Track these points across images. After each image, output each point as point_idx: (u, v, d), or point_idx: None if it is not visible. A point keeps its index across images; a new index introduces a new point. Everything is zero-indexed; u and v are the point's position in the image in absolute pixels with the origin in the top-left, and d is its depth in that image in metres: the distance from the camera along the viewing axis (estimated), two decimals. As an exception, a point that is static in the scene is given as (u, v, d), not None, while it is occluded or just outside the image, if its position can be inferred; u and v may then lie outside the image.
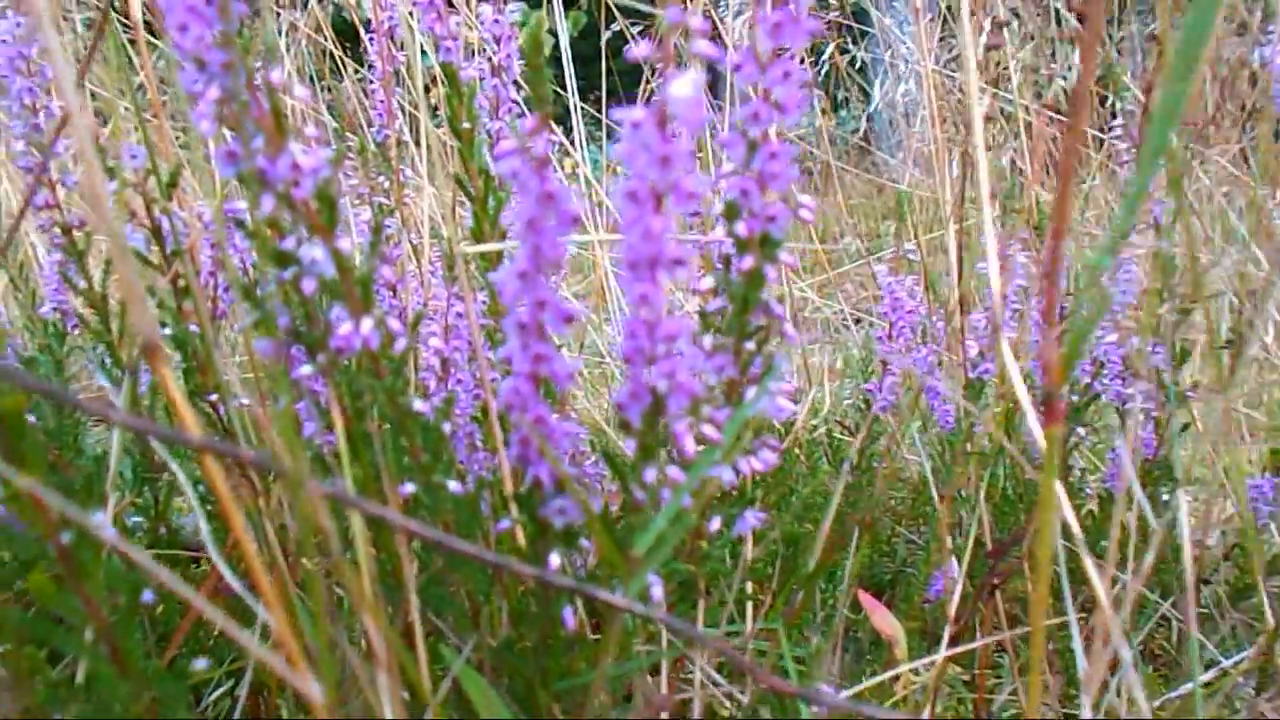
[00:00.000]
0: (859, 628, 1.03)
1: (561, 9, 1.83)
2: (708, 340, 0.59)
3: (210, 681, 0.81)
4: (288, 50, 2.42)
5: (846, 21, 2.91)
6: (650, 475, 0.50)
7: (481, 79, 0.95)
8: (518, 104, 0.96)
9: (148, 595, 0.52)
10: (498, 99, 0.96)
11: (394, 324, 0.54)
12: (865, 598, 0.87)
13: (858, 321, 3.59)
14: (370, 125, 1.19)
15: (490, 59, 0.95)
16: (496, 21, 0.93)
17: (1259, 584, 0.82)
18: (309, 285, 0.52)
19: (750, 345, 0.60)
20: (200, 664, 0.65)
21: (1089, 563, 0.54)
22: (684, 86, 0.41)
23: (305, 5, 2.39)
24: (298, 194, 0.50)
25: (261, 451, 0.48)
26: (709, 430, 0.51)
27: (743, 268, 0.55)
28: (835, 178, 3.26)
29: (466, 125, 0.79)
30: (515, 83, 0.95)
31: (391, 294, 1.08)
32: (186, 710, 0.52)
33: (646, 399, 0.48)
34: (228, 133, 0.53)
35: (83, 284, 0.87)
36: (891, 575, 1.34)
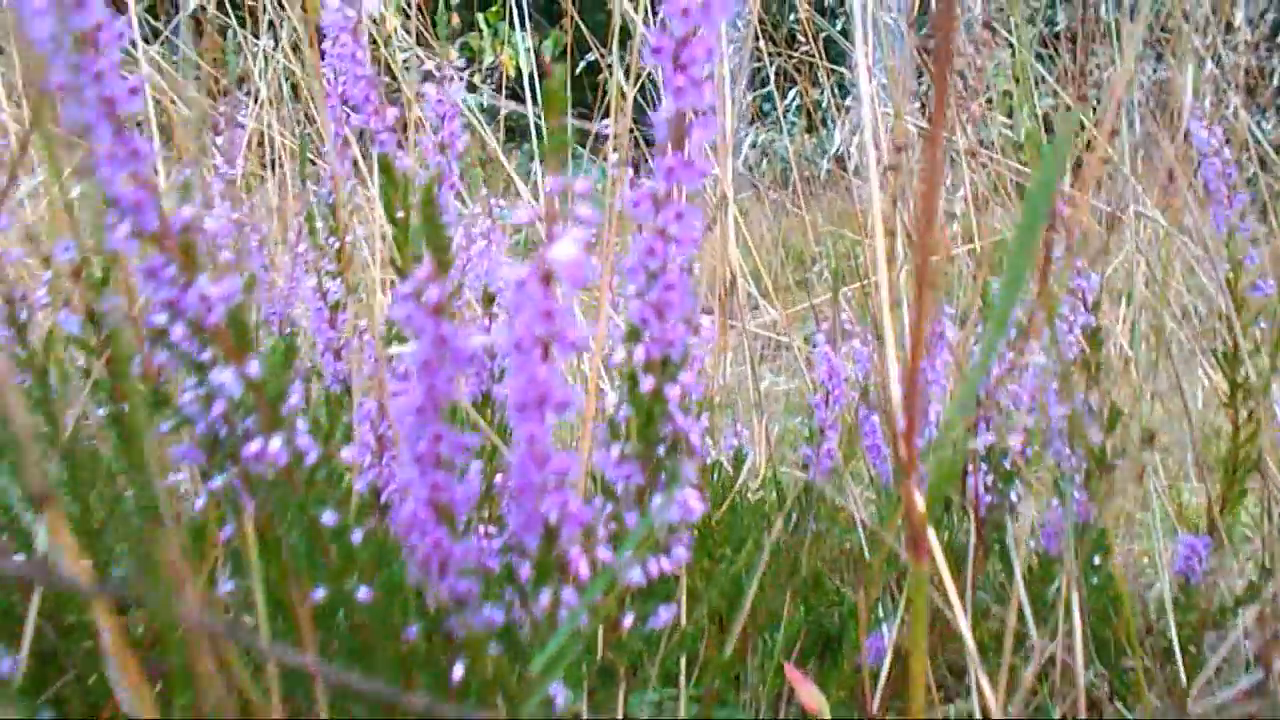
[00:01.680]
0: (794, 695, 1.05)
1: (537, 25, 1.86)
2: (615, 449, 0.61)
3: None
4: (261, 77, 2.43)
5: (813, 60, 2.95)
6: (544, 599, 0.52)
7: (424, 157, 0.98)
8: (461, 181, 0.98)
9: None
10: (441, 175, 0.98)
11: (304, 440, 0.56)
12: (790, 672, 0.89)
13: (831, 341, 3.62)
14: (319, 183, 1.21)
15: (435, 136, 0.97)
16: (440, 101, 0.96)
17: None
18: (218, 406, 0.53)
19: (659, 451, 0.62)
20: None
21: (981, 680, 0.57)
22: (565, 248, 0.43)
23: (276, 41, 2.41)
24: (209, 320, 0.52)
25: (146, 589, 0.49)
26: (603, 553, 0.53)
27: (645, 389, 0.57)
28: (805, 201, 3.29)
29: (402, 214, 0.81)
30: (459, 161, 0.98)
31: (336, 358, 1.10)
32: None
33: (540, 528, 0.50)
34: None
35: None
36: (839, 626, 1.36)
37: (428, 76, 0.95)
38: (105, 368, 0.79)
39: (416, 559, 0.53)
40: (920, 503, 0.45)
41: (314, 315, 1.05)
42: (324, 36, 0.99)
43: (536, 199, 1.80)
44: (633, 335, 0.56)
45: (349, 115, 0.94)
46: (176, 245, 0.51)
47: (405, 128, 1.08)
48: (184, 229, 0.51)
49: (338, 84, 0.98)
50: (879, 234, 0.62)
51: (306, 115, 2.22)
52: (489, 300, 1.15)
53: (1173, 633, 1.07)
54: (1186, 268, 1.85)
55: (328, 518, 0.57)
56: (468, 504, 0.51)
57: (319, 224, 1.15)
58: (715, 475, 1.28)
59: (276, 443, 0.54)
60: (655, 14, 1.93)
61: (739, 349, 1.59)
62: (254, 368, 0.53)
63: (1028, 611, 0.77)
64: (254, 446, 0.54)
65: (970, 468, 0.89)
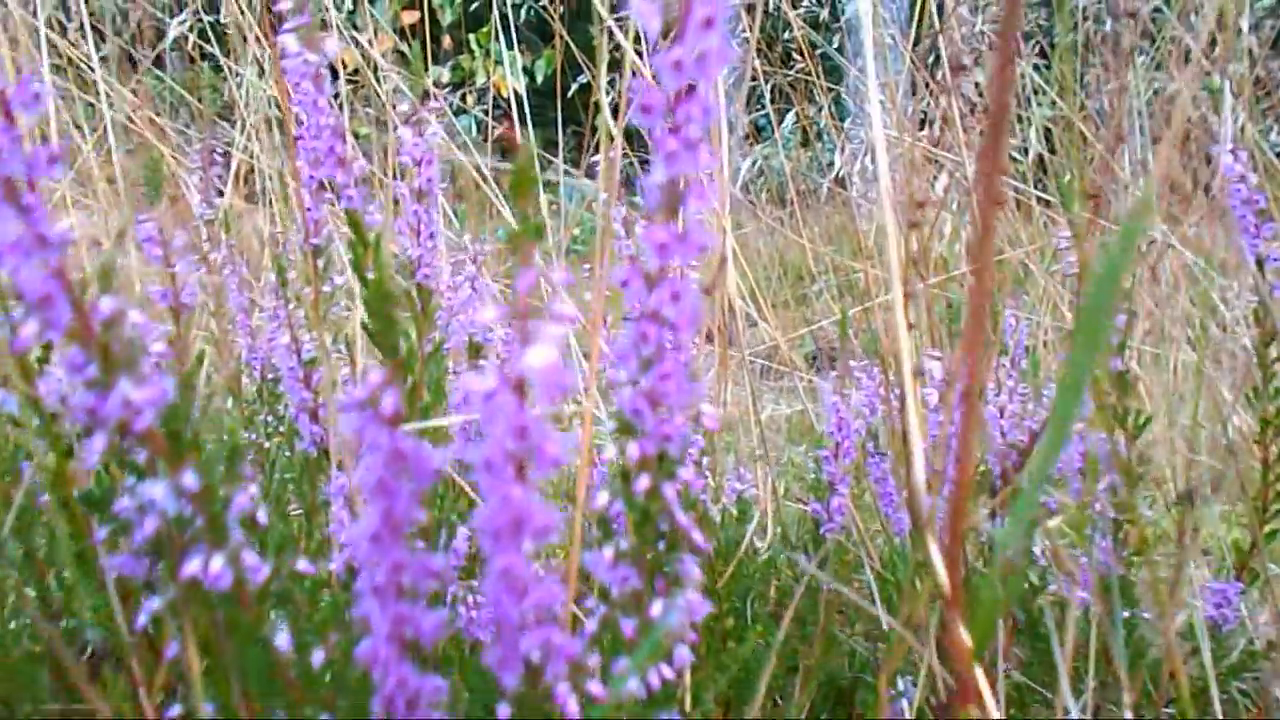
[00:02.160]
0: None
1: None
2: (608, 550, 0.54)
3: None
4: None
5: (808, 78, 2.90)
6: (528, 746, 0.45)
7: (400, 202, 0.91)
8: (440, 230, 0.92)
9: None
10: (419, 224, 0.91)
11: (250, 559, 0.49)
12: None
13: (830, 359, 3.54)
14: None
15: (411, 183, 0.91)
16: (416, 144, 0.89)
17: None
18: (150, 525, 0.46)
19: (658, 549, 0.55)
20: None
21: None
22: (540, 354, 0.36)
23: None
24: (136, 426, 0.45)
25: None
26: (595, 688, 0.46)
27: (639, 489, 0.50)
28: (803, 216, 3.22)
29: (373, 275, 0.74)
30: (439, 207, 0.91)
31: (313, 420, 1.03)
32: None
33: (519, 667, 0.43)
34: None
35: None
36: (851, 680, 1.29)
37: (404, 119, 0.89)
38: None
39: (381, 695, 0.46)
40: (966, 639, 0.38)
41: (286, 375, 0.98)
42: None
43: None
44: (625, 429, 0.49)
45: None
46: (95, 344, 0.44)
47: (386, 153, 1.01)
48: (106, 324, 0.44)
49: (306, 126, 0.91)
50: (899, 309, 0.55)
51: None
52: (475, 351, 1.09)
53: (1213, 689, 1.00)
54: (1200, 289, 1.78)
55: (282, 640, 0.50)
56: (437, 634, 0.44)
57: (290, 275, 1.09)
58: (720, 526, 1.21)
59: (218, 562, 0.47)
60: (645, 40, 1.87)
61: (738, 375, 1.52)
62: (189, 479, 0.46)
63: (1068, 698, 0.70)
64: (192, 566, 0.47)
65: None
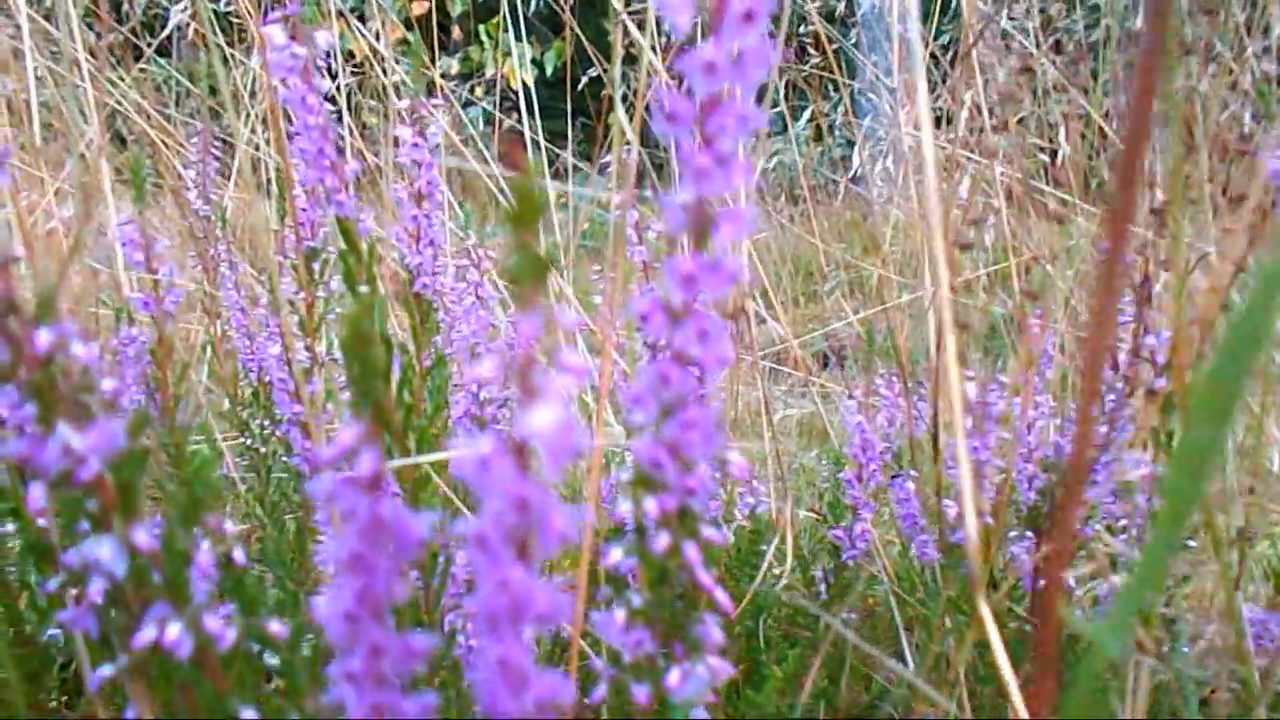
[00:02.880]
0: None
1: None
2: (620, 611, 0.48)
3: None
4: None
5: (824, 74, 2.82)
6: None
7: (400, 205, 0.85)
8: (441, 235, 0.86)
9: None
10: (418, 230, 0.85)
11: (213, 624, 0.43)
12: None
13: (840, 358, 3.46)
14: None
15: (411, 184, 0.84)
16: (416, 146, 0.83)
17: None
18: (96, 589, 0.41)
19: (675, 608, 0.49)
20: None
21: None
22: (544, 416, 0.30)
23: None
24: (80, 476, 0.39)
25: None
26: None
27: (658, 548, 0.44)
28: (813, 210, 3.15)
29: (366, 288, 0.68)
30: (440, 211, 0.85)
31: (304, 434, 0.97)
32: None
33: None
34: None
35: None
36: (870, 701, 1.22)
37: (402, 118, 0.82)
38: None
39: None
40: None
41: (276, 387, 0.92)
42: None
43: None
44: (642, 482, 0.43)
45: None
46: (32, 383, 0.38)
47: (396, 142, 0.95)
48: (44, 360, 0.38)
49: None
50: (952, 363, 0.48)
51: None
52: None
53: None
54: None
55: (248, 715, 0.44)
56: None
57: (284, 280, 1.03)
58: (734, 545, 1.15)
59: (175, 630, 0.41)
60: (661, 33, 1.81)
61: (749, 377, 1.45)
62: (142, 537, 0.40)
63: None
64: (147, 635, 0.41)
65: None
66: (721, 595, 0.49)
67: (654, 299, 0.39)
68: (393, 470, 0.70)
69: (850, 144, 4.25)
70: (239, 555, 0.56)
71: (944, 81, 2.84)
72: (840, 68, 2.58)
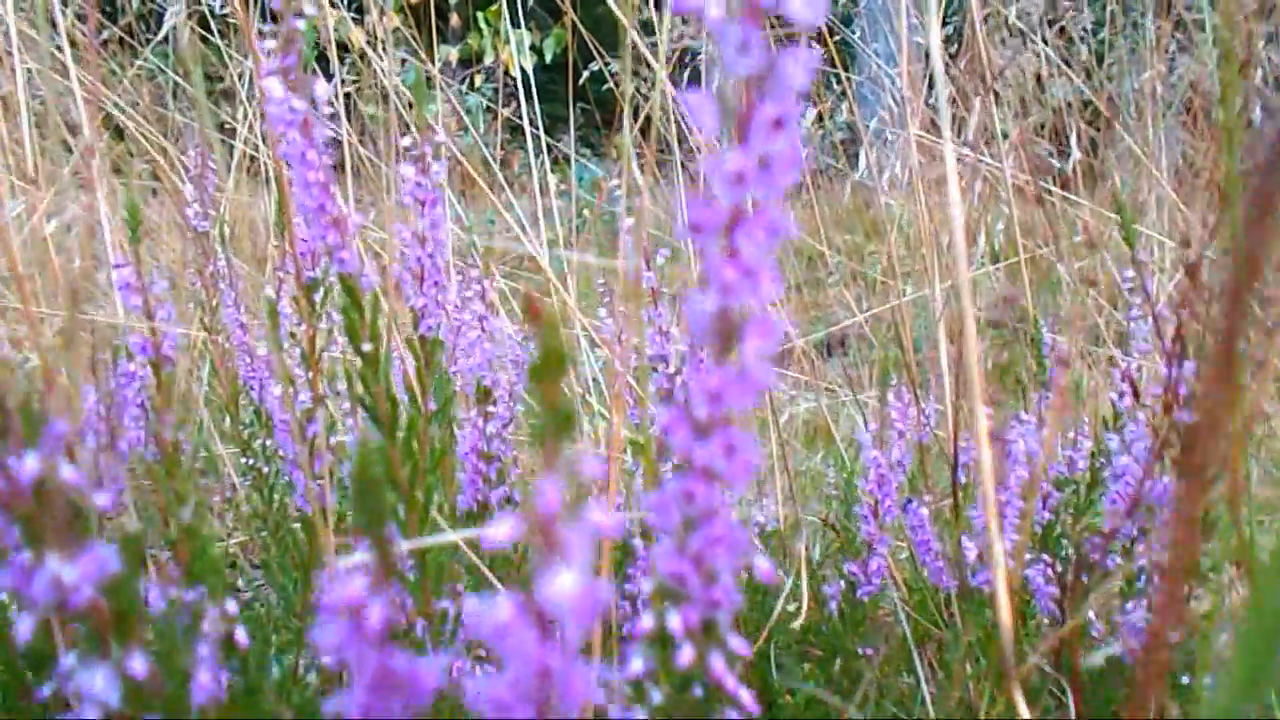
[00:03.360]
0: None
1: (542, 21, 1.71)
2: (640, 712, 0.46)
3: None
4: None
5: (831, 69, 2.79)
6: None
7: (404, 248, 0.83)
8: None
9: None
10: (422, 271, 0.83)
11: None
12: None
13: (843, 344, 3.43)
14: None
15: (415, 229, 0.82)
16: (419, 184, 0.80)
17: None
18: (90, 713, 0.38)
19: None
20: None
21: None
22: (565, 583, 0.28)
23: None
24: (72, 603, 0.37)
25: None
26: None
27: (682, 662, 0.42)
28: (815, 196, 3.12)
29: (369, 346, 0.66)
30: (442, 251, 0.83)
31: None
32: None
33: None
34: None
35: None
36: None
37: (405, 154, 0.80)
38: None
39: None
40: None
41: (278, 427, 0.90)
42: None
43: (534, 210, 1.63)
44: (664, 595, 0.41)
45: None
46: (20, 510, 0.36)
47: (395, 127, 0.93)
48: (32, 488, 0.36)
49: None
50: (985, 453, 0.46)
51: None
52: (484, 395, 1.00)
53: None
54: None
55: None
56: None
57: (284, 308, 1.01)
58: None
59: (175, 759, 0.39)
60: (658, 6, 1.76)
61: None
62: (138, 664, 0.38)
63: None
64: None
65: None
66: (747, 698, 0.46)
67: (677, 413, 0.37)
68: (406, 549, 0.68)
69: (851, 129, 4.20)
70: (241, 637, 0.55)
71: (948, 74, 2.79)
72: (844, 64, 2.55)
